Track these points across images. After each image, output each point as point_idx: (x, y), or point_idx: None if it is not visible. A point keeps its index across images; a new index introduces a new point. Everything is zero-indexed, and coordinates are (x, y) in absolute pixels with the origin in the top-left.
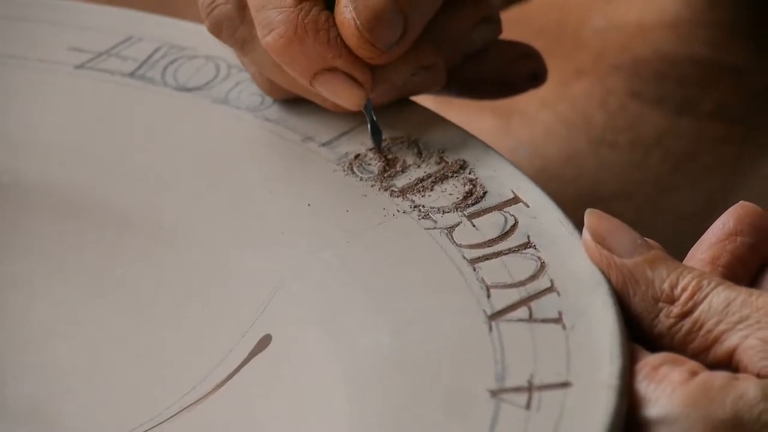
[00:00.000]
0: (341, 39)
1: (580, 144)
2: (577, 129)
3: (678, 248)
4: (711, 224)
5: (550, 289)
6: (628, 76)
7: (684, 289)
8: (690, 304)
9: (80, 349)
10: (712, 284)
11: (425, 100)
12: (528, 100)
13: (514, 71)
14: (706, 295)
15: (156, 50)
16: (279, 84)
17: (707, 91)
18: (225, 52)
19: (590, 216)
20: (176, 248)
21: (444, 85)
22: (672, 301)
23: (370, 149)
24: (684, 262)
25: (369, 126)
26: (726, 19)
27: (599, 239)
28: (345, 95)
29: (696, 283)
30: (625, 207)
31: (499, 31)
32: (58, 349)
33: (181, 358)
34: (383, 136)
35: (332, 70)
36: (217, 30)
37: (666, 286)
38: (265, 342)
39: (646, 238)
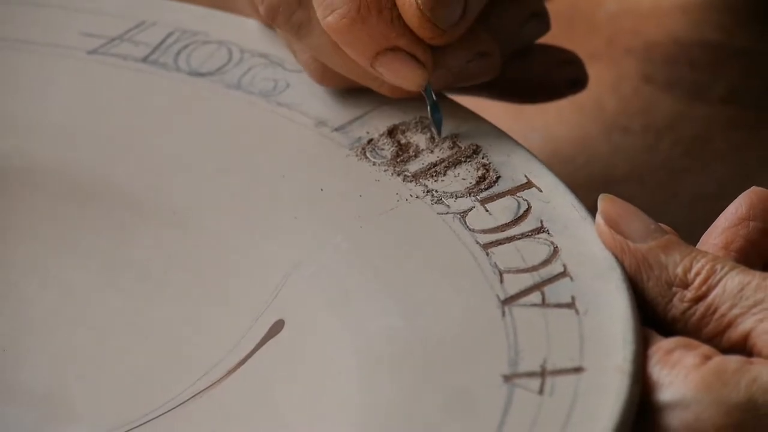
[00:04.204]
0: (402, 18)
1: (593, 128)
2: (590, 114)
3: (690, 233)
4: (723, 209)
5: (563, 274)
6: (641, 61)
7: (698, 274)
8: (704, 288)
9: (92, 333)
10: (726, 268)
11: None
12: None
13: (555, 76)
14: (720, 280)
15: (168, 35)
16: (334, 69)
17: (719, 75)
18: (237, 37)
19: (603, 201)
20: (188, 233)
21: (497, 75)
22: (686, 285)
23: (382, 134)
24: (697, 247)
25: (429, 108)
26: (738, 3)
27: (612, 224)
28: (407, 75)
29: (710, 267)
30: (637, 191)
31: (548, 27)
32: (70, 333)
33: (193, 343)
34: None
35: (394, 50)
36: (272, 15)
37: (680, 270)
38: (278, 327)
39: (659, 223)
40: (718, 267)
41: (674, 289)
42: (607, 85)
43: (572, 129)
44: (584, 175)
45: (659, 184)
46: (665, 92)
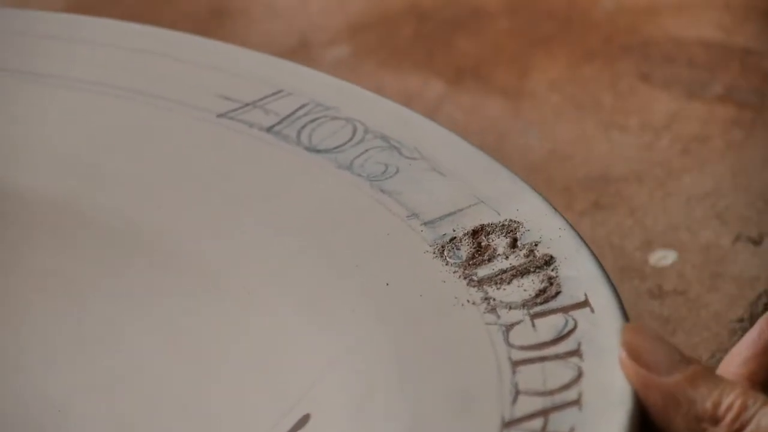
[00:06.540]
0: None
1: (590, 126)
2: (587, 111)
3: (688, 230)
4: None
5: (575, 403)
6: (638, 59)
7: (729, 409)
8: (737, 425)
9: (107, 405)
10: (759, 404)
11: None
12: (538, 83)
13: None
14: (753, 415)
15: (301, 106)
16: None
17: (717, 73)
18: (366, 115)
19: (627, 332)
20: (243, 310)
21: None
22: (716, 421)
23: (466, 234)
24: (717, 372)
25: None
26: (736, 2)
27: (635, 357)
28: None
29: (741, 402)
30: (635, 189)
31: None
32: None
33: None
34: None
35: None
36: None
37: (709, 405)
38: (302, 422)
39: (682, 351)
40: (750, 402)
41: (704, 424)
42: (604, 83)
43: (570, 126)
44: (581, 173)
45: (656, 181)
46: (663, 90)
